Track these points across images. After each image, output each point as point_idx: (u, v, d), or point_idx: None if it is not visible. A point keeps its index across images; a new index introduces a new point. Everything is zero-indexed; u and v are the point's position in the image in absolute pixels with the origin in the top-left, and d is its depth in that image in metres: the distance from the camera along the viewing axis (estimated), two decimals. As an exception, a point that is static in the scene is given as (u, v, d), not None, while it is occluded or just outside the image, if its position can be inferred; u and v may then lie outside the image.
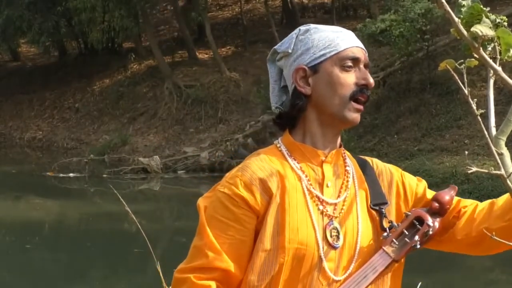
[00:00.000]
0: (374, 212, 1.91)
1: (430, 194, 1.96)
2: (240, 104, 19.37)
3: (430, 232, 1.84)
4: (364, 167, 1.97)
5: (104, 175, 15.94)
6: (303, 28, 1.94)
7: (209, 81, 20.25)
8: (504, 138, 1.68)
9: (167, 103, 20.25)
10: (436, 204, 1.87)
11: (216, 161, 16.27)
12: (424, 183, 1.99)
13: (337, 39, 1.89)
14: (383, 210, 1.90)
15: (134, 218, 3.59)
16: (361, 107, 1.87)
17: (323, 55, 1.87)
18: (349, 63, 1.87)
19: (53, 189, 15.01)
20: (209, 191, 1.96)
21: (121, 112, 21.29)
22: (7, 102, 24.25)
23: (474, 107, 1.46)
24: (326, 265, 1.82)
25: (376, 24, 14.97)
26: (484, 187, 11.61)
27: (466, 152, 12.35)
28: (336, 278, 1.83)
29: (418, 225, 1.85)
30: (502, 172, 1.43)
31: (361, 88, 1.86)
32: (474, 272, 9.08)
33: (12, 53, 27.33)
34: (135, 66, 22.90)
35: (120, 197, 3.82)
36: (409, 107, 15.27)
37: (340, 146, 1.95)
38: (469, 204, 1.96)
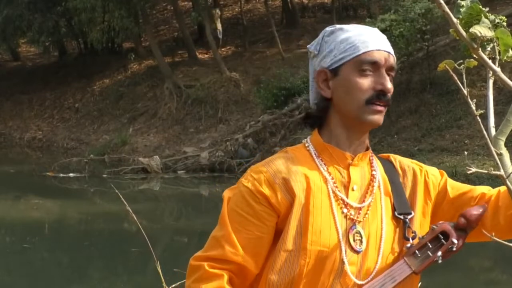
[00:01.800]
0: (398, 221, 1.89)
1: (451, 187, 1.95)
2: (240, 104, 19.37)
3: (454, 249, 1.82)
4: (390, 172, 1.95)
5: (104, 175, 15.94)
6: (329, 29, 1.93)
7: (209, 81, 20.24)
8: (504, 139, 1.68)
9: (167, 103, 20.25)
10: (464, 221, 1.84)
11: (216, 161, 16.27)
12: (445, 177, 1.96)
13: (358, 41, 1.86)
14: (407, 219, 1.88)
15: (135, 217, 3.59)
16: (380, 108, 1.86)
17: (342, 58, 1.85)
18: (367, 67, 1.85)
19: (53, 189, 15.00)
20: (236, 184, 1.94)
21: (121, 112, 21.30)
22: (7, 102, 24.25)
23: (474, 108, 1.46)
24: (348, 268, 1.82)
25: (376, 24, 14.95)
26: (484, 187, 11.61)
27: (466, 152, 12.34)
28: (358, 282, 1.83)
29: (442, 240, 1.83)
30: (502, 172, 1.43)
31: (378, 93, 1.85)
32: (474, 272, 9.08)
33: (12, 53, 27.34)
34: (135, 66, 22.90)
35: (121, 197, 3.82)
36: (409, 107, 15.27)
37: (367, 149, 1.94)
38: (486, 191, 1.93)
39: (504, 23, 1.58)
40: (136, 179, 15.80)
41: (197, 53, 22.34)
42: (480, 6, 1.50)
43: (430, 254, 1.82)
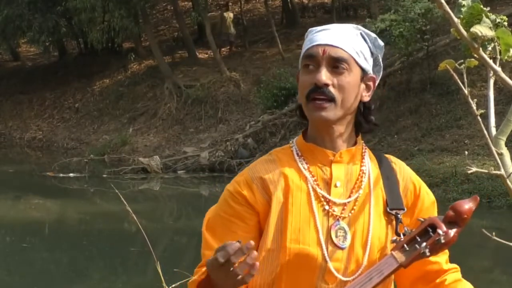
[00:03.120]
0: (390, 216, 1.89)
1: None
2: (240, 104, 19.36)
3: (442, 241, 1.79)
4: (386, 168, 1.94)
5: (104, 175, 15.94)
6: (308, 31, 1.96)
7: (209, 81, 20.24)
8: (504, 138, 1.68)
9: (167, 103, 20.24)
10: (452, 213, 1.82)
11: (216, 161, 16.26)
12: (434, 211, 1.95)
13: (308, 41, 1.90)
14: (399, 215, 1.88)
15: (135, 217, 3.59)
16: (319, 104, 1.83)
17: (300, 58, 1.91)
18: (308, 62, 1.87)
19: (53, 189, 15.00)
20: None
21: (121, 112, 21.29)
22: (7, 102, 24.23)
23: (474, 107, 1.46)
24: (331, 265, 1.82)
25: (376, 24, 14.95)
26: (484, 187, 11.60)
27: (466, 152, 12.35)
28: (344, 279, 1.83)
29: (431, 233, 1.81)
30: (502, 172, 1.43)
31: (314, 87, 1.84)
32: (474, 272, 9.08)
33: (12, 53, 27.32)
34: (135, 66, 22.89)
35: (121, 197, 3.82)
36: (409, 107, 15.27)
37: (355, 144, 1.93)
38: (450, 275, 1.94)
39: (505, 23, 1.58)
40: (136, 179, 15.80)
41: (197, 53, 22.33)
42: (481, 6, 1.50)
43: (418, 247, 1.80)
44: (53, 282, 8.78)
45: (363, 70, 1.89)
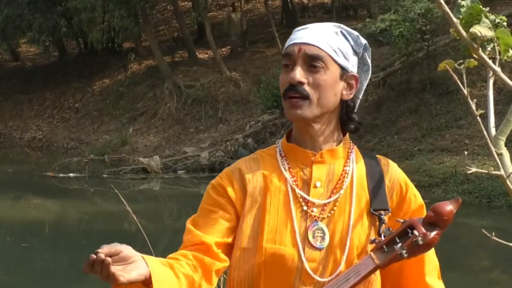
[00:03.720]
0: (374, 217, 1.87)
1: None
2: (240, 104, 19.36)
3: (420, 242, 1.76)
4: (372, 168, 1.92)
5: (104, 175, 15.94)
6: None
7: (209, 81, 20.24)
8: (504, 138, 1.68)
9: (167, 103, 20.24)
10: (432, 214, 1.79)
11: (216, 161, 16.26)
12: (421, 215, 1.89)
13: (288, 40, 1.91)
14: (382, 216, 1.86)
15: (135, 217, 3.59)
16: (294, 102, 1.83)
17: None
18: (285, 62, 1.87)
19: (53, 189, 14.99)
20: None
21: (121, 112, 21.29)
22: (7, 102, 24.23)
23: (474, 107, 1.46)
24: (307, 266, 1.81)
25: (376, 24, 14.97)
26: (484, 187, 11.61)
27: (466, 152, 12.35)
28: (321, 280, 1.81)
29: (410, 234, 1.78)
30: (502, 172, 1.43)
31: (289, 86, 1.84)
32: (474, 272, 9.08)
33: (12, 53, 27.32)
34: (135, 66, 22.89)
35: (121, 197, 3.82)
36: (409, 107, 15.26)
37: (339, 142, 1.91)
38: None
39: (504, 23, 1.58)
40: (136, 179, 15.80)
41: (197, 53, 22.33)
42: (480, 6, 1.50)
43: (396, 249, 1.78)
44: (53, 282, 8.77)
45: (342, 68, 1.87)
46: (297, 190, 1.85)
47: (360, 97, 1.97)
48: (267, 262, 1.82)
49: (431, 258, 1.93)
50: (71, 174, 16.24)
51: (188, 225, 1.92)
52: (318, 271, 1.82)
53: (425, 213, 1.89)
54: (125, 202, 3.70)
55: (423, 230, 1.77)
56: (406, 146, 14.15)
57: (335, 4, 22.60)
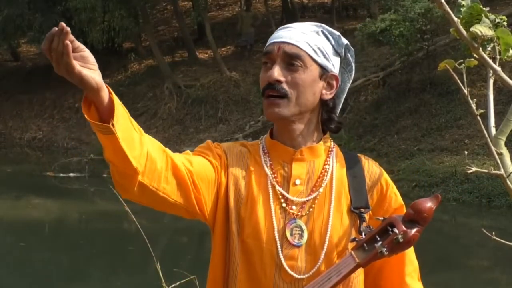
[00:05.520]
0: (354, 215, 1.87)
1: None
2: (240, 104, 19.36)
3: (400, 240, 1.75)
4: (352, 167, 1.91)
5: (104, 175, 15.93)
6: None
7: (209, 81, 20.24)
8: (504, 138, 1.68)
9: (167, 103, 20.25)
10: (411, 211, 1.78)
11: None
12: (402, 212, 1.89)
13: (269, 40, 1.92)
14: (363, 214, 1.86)
15: (134, 218, 3.59)
16: (272, 101, 1.84)
17: None
18: (265, 60, 1.88)
19: (53, 189, 15.00)
20: None
21: (121, 112, 21.28)
22: (7, 102, 24.23)
23: (474, 107, 1.46)
24: (284, 263, 1.81)
25: (376, 24, 14.96)
26: (484, 187, 11.61)
27: (466, 152, 12.35)
28: (298, 277, 1.82)
29: (390, 232, 1.78)
30: (502, 172, 1.43)
31: (268, 83, 1.85)
32: (474, 272, 9.08)
33: (12, 53, 27.31)
34: (135, 66, 22.89)
35: (120, 197, 3.82)
36: (409, 107, 15.27)
37: (319, 141, 1.91)
38: None
39: (505, 23, 1.58)
40: (136, 179, 15.79)
41: (197, 53, 22.33)
42: (481, 6, 1.50)
43: (376, 247, 1.78)
44: (53, 282, 8.77)
45: (322, 68, 1.87)
46: (277, 187, 1.86)
47: (343, 97, 1.98)
48: (247, 257, 1.83)
49: (411, 260, 1.94)
50: (71, 174, 16.24)
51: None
52: (296, 268, 1.82)
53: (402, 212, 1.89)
54: (123, 203, 3.70)
55: (403, 227, 1.77)
56: (406, 146, 14.15)
57: (335, 4, 22.60)
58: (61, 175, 15.99)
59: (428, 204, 1.78)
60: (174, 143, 18.77)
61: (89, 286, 8.67)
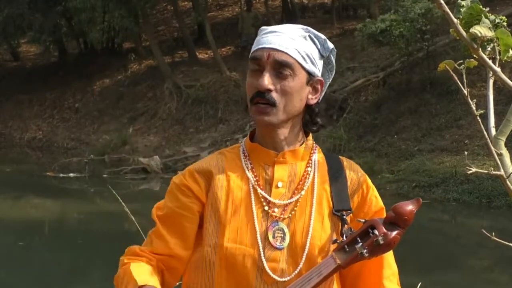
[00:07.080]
0: (336, 218, 1.87)
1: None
2: (240, 104, 19.35)
3: (381, 242, 1.77)
4: (334, 169, 1.92)
5: (104, 175, 15.94)
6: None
7: (209, 81, 20.24)
8: (504, 139, 1.68)
9: (167, 103, 20.25)
10: (392, 214, 1.80)
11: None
12: (382, 215, 1.90)
13: (256, 41, 1.90)
14: (344, 216, 1.87)
15: (133, 218, 3.59)
16: (262, 109, 1.84)
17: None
18: (253, 66, 1.87)
19: (53, 189, 15.00)
20: None
21: (121, 112, 21.29)
22: (7, 102, 24.23)
23: (474, 108, 1.46)
24: (266, 265, 1.82)
25: (376, 24, 14.96)
26: (484, 187, 11.61)
27: (466, 152, 12.35)
28: (280, 280, 1.82)
29: (371, 234, 1.79)
30: (502, 172, 1.43)
31: (257, 92, 1.85)
32: (474, 272, 9.08)
33: (12, 53, 27.31)
34: (135, 66, 22.89)
35: (118, 197, 3.82)
36: (409, 107, 15.26)
37: (302, 144, 1.91)
38: None
39: (504, 23, 1.58)
40: (136, 179, 15.80)
41: (197, 53, 22.34)
42: (480, 6, 1.50)
43: (357, 248, 1.79)
44: (53, 282, 8.78)
45: (309, 74, 1.87)
46: (259, 190, 1.86)
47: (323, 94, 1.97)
48: (228, 261, 1.84)
49: (390, 264, 1.94)
50: (71, 174, 16.24)
51: (157, 220, 1.93)
52: (278, 271, 1.83)
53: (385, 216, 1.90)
54: (122, 203, 3.70)
55: (384, 230, 1.78)
56: (406, 146, 14.15)
57: (335, 4, 22.60)
58: (61, 175, 15.99)
59: (409, 207, 1.80)
60: (174, 143, 18.77)
61: (89, 286, 8.67)
